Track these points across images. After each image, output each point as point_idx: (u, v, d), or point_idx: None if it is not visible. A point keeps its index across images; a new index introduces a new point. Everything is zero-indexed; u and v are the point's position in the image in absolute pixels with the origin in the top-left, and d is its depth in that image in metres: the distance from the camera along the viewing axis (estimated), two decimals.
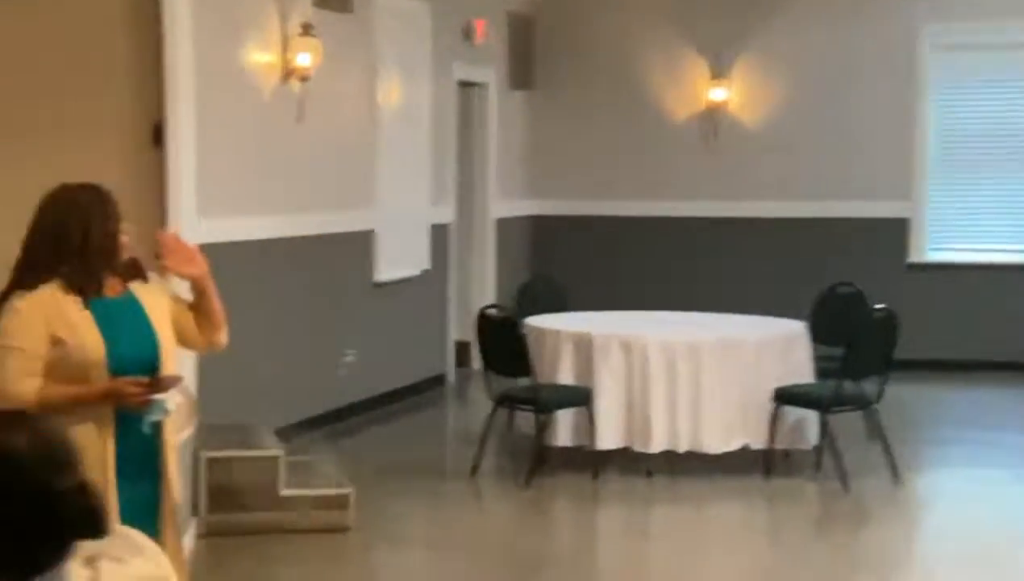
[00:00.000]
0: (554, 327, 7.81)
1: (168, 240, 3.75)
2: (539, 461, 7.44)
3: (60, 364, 3.46)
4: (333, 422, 8.28)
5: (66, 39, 6.83)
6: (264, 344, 7.57)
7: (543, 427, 7.40)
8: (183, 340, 3.70)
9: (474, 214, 10.70)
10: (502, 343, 7.31)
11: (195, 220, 6.88)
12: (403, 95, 9.08)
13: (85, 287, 3.49)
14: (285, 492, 6.17)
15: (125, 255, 3.59)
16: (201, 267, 3.73)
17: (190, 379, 6.72)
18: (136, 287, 3.64)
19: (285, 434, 7.50)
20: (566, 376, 7.61)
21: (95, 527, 1.64)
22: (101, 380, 3.48)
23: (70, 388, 3.47)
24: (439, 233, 9.73)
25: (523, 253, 11.30)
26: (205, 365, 6.86)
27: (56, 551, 1.63)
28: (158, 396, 3.49)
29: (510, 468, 7.71)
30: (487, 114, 10.75)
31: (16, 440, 1.62)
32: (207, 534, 6.09)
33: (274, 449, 6.29)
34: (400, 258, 9.09)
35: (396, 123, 8.99)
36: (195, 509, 6.07)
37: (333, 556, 6.03)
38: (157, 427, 3.59)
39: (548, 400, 7.35)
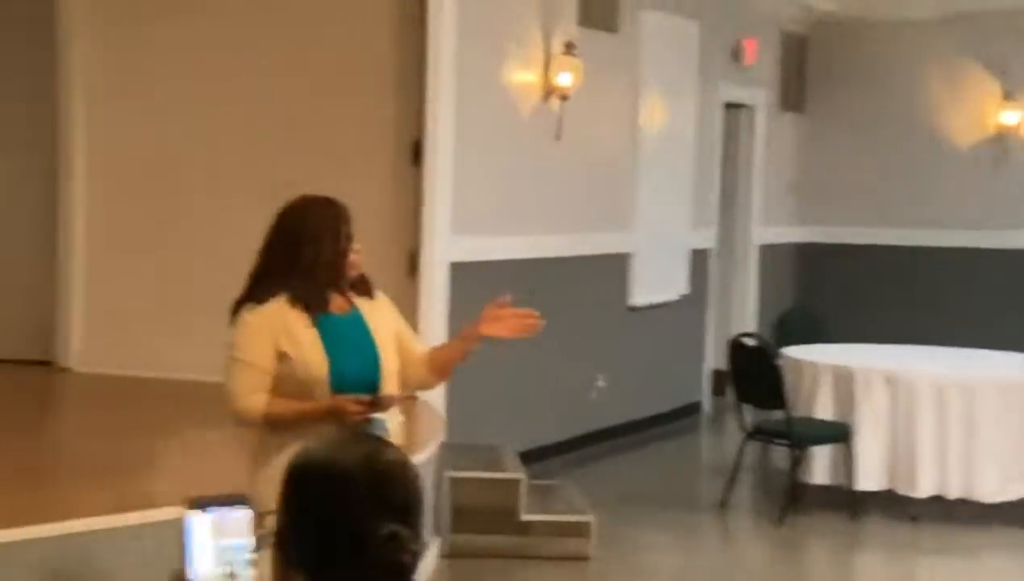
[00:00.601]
0: (812, 359, 7.47)
1: (489, 313, 3.68)
2: (793, 498, 7.10)
3: (285, 379, 3.45)
4: (581, 447, 8.13)
5: (333, 58, 6.97)
6: (513, 366, 7.50)
7: (798, 463, 7.06)
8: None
9: (736, 239, 10.40)
10: (756, 373, 7.02)
11: (449, 238, 6.88)
12: (666, 115, 8.90)
13: (312, 303, 3.46)
14: (526, 517, 6.06)
15: (354, 273, 3.55)
16: (506, 331, 3.67)
17: (438, 398, 6.72)
18: (362, 304, 3.59)
19: (531, 457, 7.41)
20: (824, 410, 7.26)
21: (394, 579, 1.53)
22: (324, 397, 3.44)
23: (294, 404, 3.45)
24: (699, 258, 9.49)
25: (786, 281, 10.91)
26: (453, 385, 6.84)
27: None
28: (378, 415, 3.43)
29: (762, 504, 7.41)
30: (754, 137, 10.44)
31: (354, 464, 1.55)
32: (449, 555, 6.04)
33: (517, 472, 6.19)
34: (657, 282, 8.89)
35: (658, 144, 8.80)
36: (437, 529, 6.03)
37: None
38: None
39: (804, 435, 7.02)
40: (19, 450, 5.47)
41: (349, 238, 3.50)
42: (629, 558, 6.23)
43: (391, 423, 3.46)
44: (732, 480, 7.17)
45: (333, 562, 1.53)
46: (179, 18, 7.14)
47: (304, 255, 3.45)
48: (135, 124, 7.22)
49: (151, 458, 5.44)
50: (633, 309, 8.67)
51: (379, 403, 3.41)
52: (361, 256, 3.55)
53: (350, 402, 3.38)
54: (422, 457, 5.69)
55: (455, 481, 6.04)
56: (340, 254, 3.48)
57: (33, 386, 7.16)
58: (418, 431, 6.18)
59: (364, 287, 3.61)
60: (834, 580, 6.51)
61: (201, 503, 1.79)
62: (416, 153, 6.86)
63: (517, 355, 7.51)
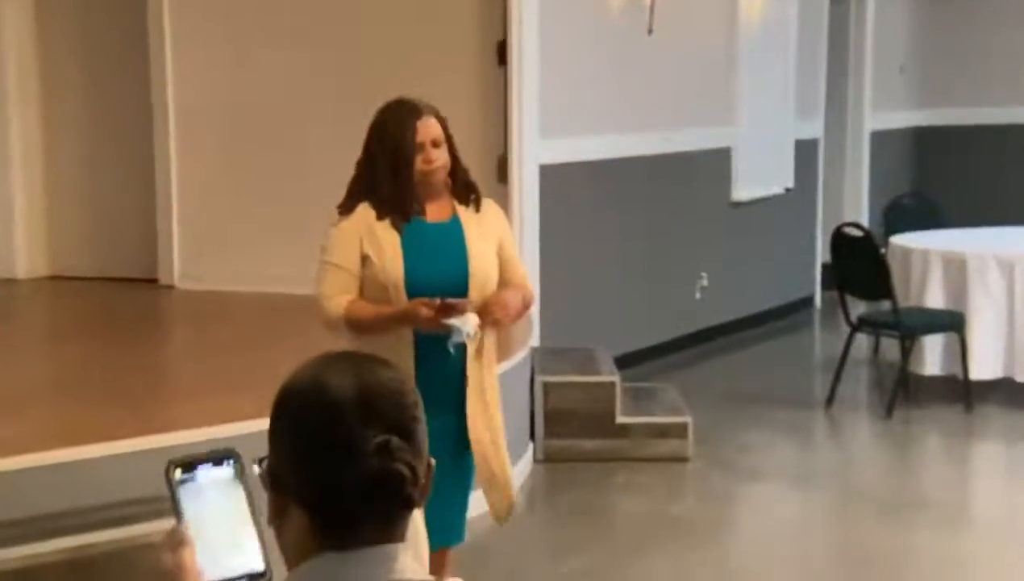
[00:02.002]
0: (922, 246, 7.21)
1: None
2: (903, 391, 6.89)
3: (369, 283, 3.47)
4: (684, 349, 7.98)
5: None
6: (611, 267, 7.38)
7: (908, 354, 6.84)
8: None
9: (846, 128, 10.06)
10: (861, 263, 6.79)
11: (537, 140, 6.75)
12: (768, 1, 8.57)
13: (394, 209, 3.44)
14: (621, 419, 5.98)
15: (431, 182, 3.46)
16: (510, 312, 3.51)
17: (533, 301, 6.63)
18: (466, 214, 3.53)
19: (631, 361, 7.31)
20: (935, 299, 7.02)
21: (390, 493, 1.42)
22: (398, 300, 3.42)
23: (374, 307, 3.44)
24: (806, 149, 9.19)
25: (900, 168, 10.54)
26: (547, 288, 6.76)
27: (355, 515, 1.44)
28: (454, 321, 3.32)
29: (871, 398, 7.21)
30: (864, 19, 10.03)
31: (341, 384, 1.46)
32: (544, 460, 5.99)
33: (611, 375, 6.10)
34: (761, 176, 8.63)
35: (759, 32, 8.49)
36: (532, 434, 5.98)
37: (671, 487, 5.79)
38: (460, 353, 3.45)
39: (913, 324, 6.79)
40: (126, 366, 5.57)
41: (414, 148, 3.41)
42: (730, 458, 6.12)
43: (469, 328, 3.35)
44: (838, 375, 6.98)
45: (329, 485, 1.44)
46: None
47: (381, 161, 3.44)
48: (223, 51, 7.19)
49: (253, 371, 5.48)
50: (736, 205, 8.45)
51: (452, 307, 3.32)
52: (452, 161, 3.48)
53: (421, 305, 3.33)
54: (513, 363, 5.64)
55: (548, 386, 5.97)
56: (402, 165, 3.42)
57: (140, 303, 7.29)
58: (509, 336, 6.13)
59: (469, 196, 3.54)
60: (948, 473, 6.30)
61: (188, 464, 1.70)
62: (501, 54, 6.71)
63: (614, 256, 7.40)
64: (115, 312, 7.05)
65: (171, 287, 7.46)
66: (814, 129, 9.38)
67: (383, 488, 1.41)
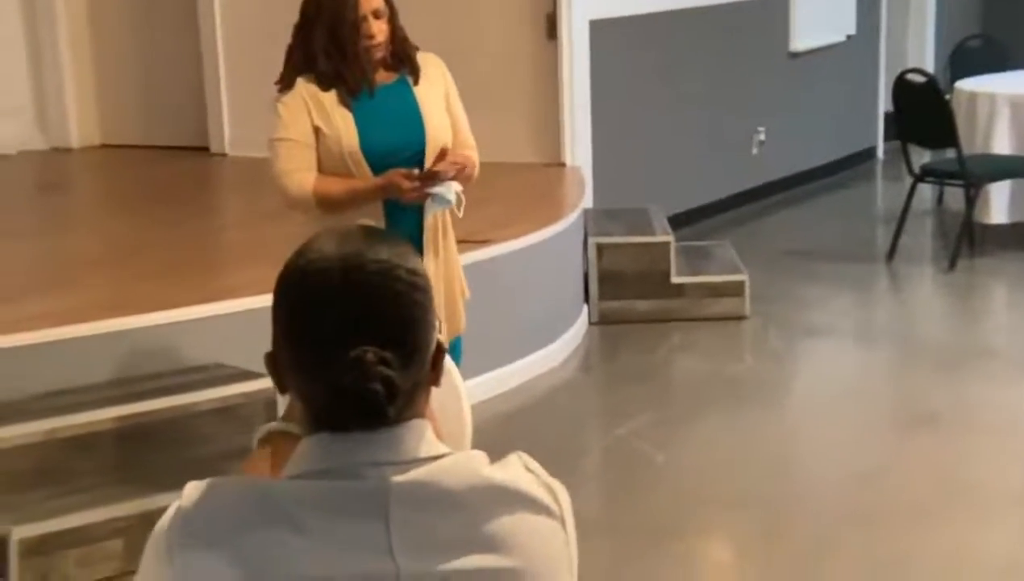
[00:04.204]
0: (989, 90, 6.98)
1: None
2: (968, 241, 6.73)
3: (324, 158, 3.36)
4: (742, 205, 7.83)
5: None
6: (664, 124, 7.22)
7: (972, 202, 6.66)
8: None
9: None
10: (924, 111, 6.59)
11: None
12: None
13: (337, 82, 3.33)
14: (676, 279, 5.89)
15: (373, 57, 3.34)
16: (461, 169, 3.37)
17: (584, 162, 6.53)
18: (409, 75, 3.43)
19: (688, 219, 7.20)
20: (1002, 145, 6.83)
21: (364, 411, 1.32)
22: (360, 171, 3.33)
23: (345, 182, 3.35)
24: None
25: (967, 10, 10.15)
26: (599, 147, 6.63)
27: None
28: (437, 189, 3.26)
29: (935, 250, 7.06)
30: None
31: (328, 271, 1.36)
32: (600, 322, 5.94)
33: (665, 235, 5.99)
34: (820, 24, 8.35)
35: None
36: (586, 296, 5.92)
37: (728, 346, 5.72)
38: (419, 224, 3.38)
39: (979, 172, 6.60)
40: (178, 236, 5.58)
41: (355, 21, 3.29)
42: (788, 315, 6.02)
43: (451, 194, 3.29)
44: (900, 227, 6.82)
45: (304, 391, 1.36)
46: None
47: (309, 41, 3.32)
48: None
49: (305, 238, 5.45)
50: (795, 55, 8.20)
51: (434, 175, 3.25)
52: (390, 34, 3.35)
53: (402, 176, 3.24)
54: (565, 225, 5.56)
55: (601, 247, 5.89)
56: (344, 41, 3.29)
57: (191, 171, 7.28)
58: (561, 198, 6.04)
59: (407, 67, 3.42)
60: (1013, 322, 6.15)
61: None
62: None
63: (669, 112, 7.23)
64: (167, 181, 7.05)
65: (223, 155, 7.43)
66: None
67: (355, 406, 1.32)
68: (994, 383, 5.16)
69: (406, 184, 3.24)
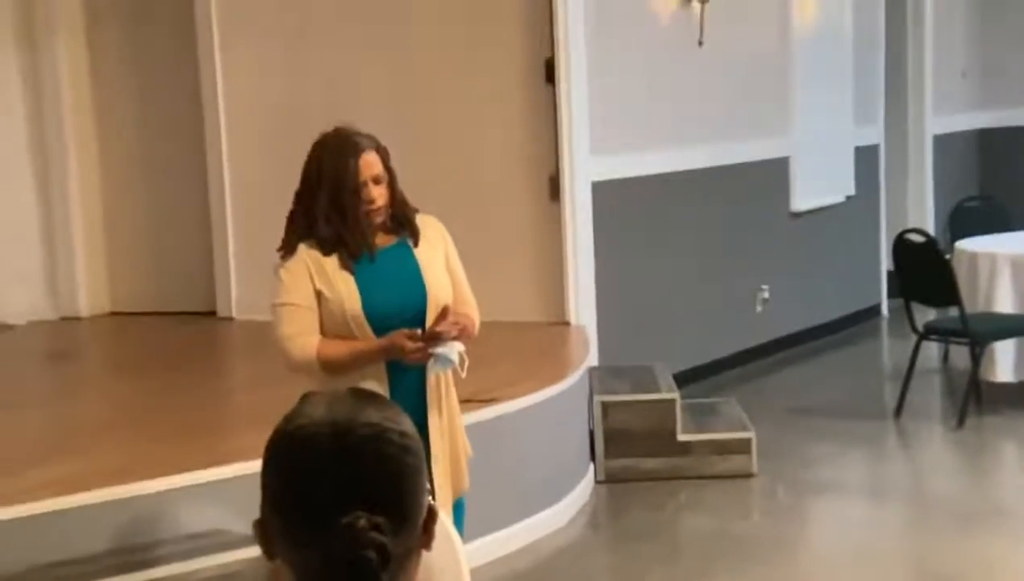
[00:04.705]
0: (989, 250, 7.04)
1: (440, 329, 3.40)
2: (975, 399, 6.72)
3: (327, 322, 3.38)
4: (747, 362, 7.83)
5: None
6: (668, 283, 7.28)
7: (978, 361, 6.67)
8: None
9: (908, 132, 9.87)
10: (925, 270, 6.65)
11: (589, 158, 6.67)
12: (820, 5, 8.43)
13: (338, 251, 3.37)
14: (683, 437, 5.87)
15: (373, 221, 3.39)
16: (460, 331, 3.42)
17: (588, 321, 6.56)
18: (409, 237, 3.47)
19: (694, 376, 7.20)
20: (1004, 303, 6.85)
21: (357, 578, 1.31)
22: (363, 333, 3.34)
23: (349, 344, 3.36)
24: (866, 155, 9.02)
25: (965, 172, 10.31)
26: (603, 306, 6.68)
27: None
28: (440, 349, 3.28)
29: (943, 407, 7.04)
30: (922, 20, 9.84)
31: (319, 435, 1.35)
32: (606, 480, 5.90)
33: (670, 392, 5.99)
34: (820, 185, 8.48)
35: (813, 38, 8.34)
36: (592, 455, 5.90)
37: (736, 504, 5.67)
38: (422, 384, 3.38)
39: (982, 331, 6.62)
40: (187, 400, 5.59)
41: (356, 187, 3.34)
42: (796, 473, 5.98)
43: (454, 354, 3.30)
44: (906, 384, 6.81)
45: (294, 562, 1.34)
46: None
47: (311, 205, 3.37)
48: (269, 73, 7.21)
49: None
50: (796, 215, 8.31)
51: (436, 336, 3.26)
52: (390, 198, 3.40)
53: (405, 337, 3.25)
54: (570, 383, 5.57)
55: (607, 405, 5.88)
56: (345, 207, 3.34)
57: (199, 335, 7.32)
58: (566, 357, 6.06)
59: (406, 231, 3.46)
60: None
61: None
62: (549, 71, 6.64)
63: (672, 271, 7.29)
64: (176, 346, 7.08)
65: (230, 319, 7.48)
66: (874, 135, 9.21)
67: (347, 574, 1.29)
68: (1011, 543, 5.09)
69: (409, 345, 3.25)
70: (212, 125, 7.39)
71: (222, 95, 7.33)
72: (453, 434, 3.52)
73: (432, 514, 1.39)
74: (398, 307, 3.37)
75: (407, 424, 1.40)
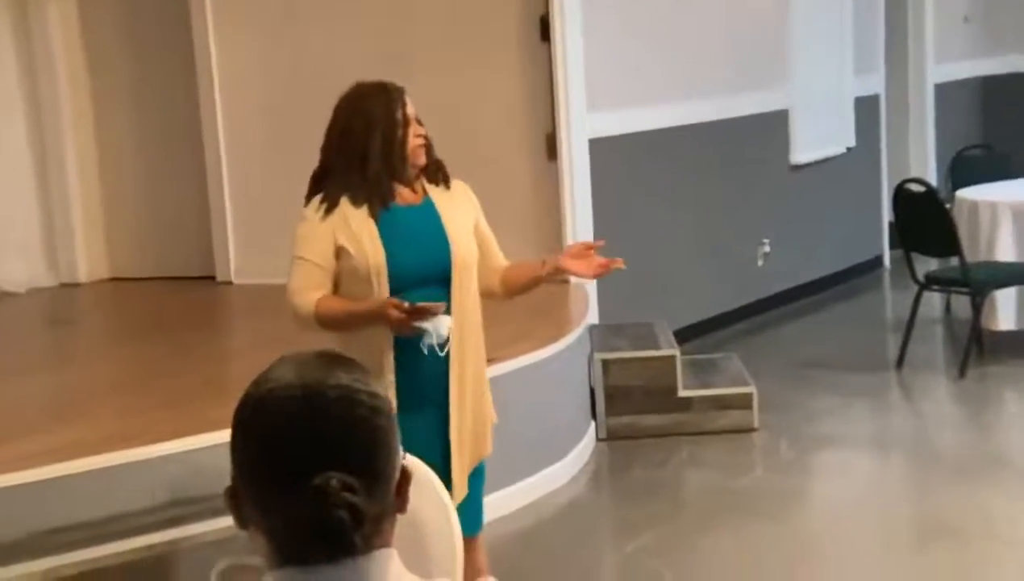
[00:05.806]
0: (990, 198, 7.00)
1: (576, 249, 3.55)
2: (977, 348, 6.70)
3: (349, 276, 3.34)
4: (749, 317, 7.81)
5: None
6: (668, 240, 7.25)
7: (979, 310, 6.64)
8: None
9: (908, 81, 9.80)
10: (925, 220, 6.61)
11: (585, 115, 6.63)
12: None
13: (371, 198, 3.32)
14: (684, 393, 5.86)
15: (419, 161, 3.38)
16: (588, 271, 3.53)
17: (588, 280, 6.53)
18: (437, 194, 3.44)
19: (695, 332, 7.18)
20: (1006, 252, 6.82)
21: (328, 540, 1.30)
22: (382, 289, 3.30)
23: (345, 302, 3.34)
24: (866, 105, 8.96)
25: (967, 120, 10.24)
26: None
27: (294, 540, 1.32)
28: (426, 324, 3.22)
29: (945, 357, 7.02)
30: None
31: (290, 398, 1.34)
32: (607, 438, 5.90)
33: (670, 349, 5.98)
34: (821, 137, 8.43)
35: None
36: (593, 412, 5.89)
37: (738, 459, 5.66)
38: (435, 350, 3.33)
39: (983, 280, 6.59)
40: (186, 365, 5.58)
41: (407, 123, 3.34)
42: (798, 427, 5.97)
43: (443, 329, 3.26)
44: (907, 336, 6.79)
45: (266, 524, 1.34)
46: None
47: (358, 148, 3.32)
48: (265, 37, 7.16)
49: None
50: (796, 167, 8.26)
51: (424, 311, 3.20)
52: (425, 140, 3.39)
53: (391, 307, 3.21)
54: (569, 341, 5.56)
55: (607, 363, 5.87)
56: (398, 143, 3.33)
57: (198, 300, 7.31)
58: (565, 315, 6.04)
59: (440, 175, 3.45)
60: None
61: None
62: (544, 28, 6.59)
63: (672, 227, 7.26)
64: (175, 310, 7.08)
65: (228, 283, 7.47)
66: (874, 85, 9.15)
67: (321, 536, 1.29)
68: (1013, 494, 5.09)
69: (393, 314, 3.20)
70: (207, 89, 7.35)
71: (217, 59, 7.29)
72: (478, 401, 3.48)
73: (406, 476, 1.39)
74: (421, 263, 3.33)
75: (376, 385, 1.39)
